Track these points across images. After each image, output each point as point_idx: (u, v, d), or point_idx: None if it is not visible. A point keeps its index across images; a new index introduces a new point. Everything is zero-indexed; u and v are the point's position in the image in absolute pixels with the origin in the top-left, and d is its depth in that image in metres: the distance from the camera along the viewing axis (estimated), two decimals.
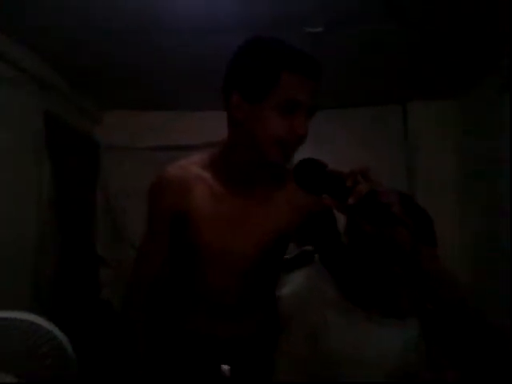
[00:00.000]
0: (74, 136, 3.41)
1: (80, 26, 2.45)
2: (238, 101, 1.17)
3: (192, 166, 1.30)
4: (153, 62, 2.94)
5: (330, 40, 2.61)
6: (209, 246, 1.28)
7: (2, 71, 2.53)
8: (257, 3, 2.26)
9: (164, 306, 1.38)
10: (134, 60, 2.90)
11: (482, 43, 2.65)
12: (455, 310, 1.00)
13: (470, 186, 3.39)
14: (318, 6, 2.30)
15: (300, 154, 1.26)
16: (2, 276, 2.47)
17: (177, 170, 1.30)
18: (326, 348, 1.22)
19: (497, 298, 2.72)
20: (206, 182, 1.28)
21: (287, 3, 2.27)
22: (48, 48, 2.70)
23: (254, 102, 1.16)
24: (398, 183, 3.16)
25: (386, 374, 1.13)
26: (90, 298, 3.46)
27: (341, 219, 1.32)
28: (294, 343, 1.28)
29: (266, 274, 1.35)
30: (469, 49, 2.73)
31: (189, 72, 3.08)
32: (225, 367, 1.27)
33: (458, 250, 3.28)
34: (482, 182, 3.19)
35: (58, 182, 3.06)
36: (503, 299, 2.62)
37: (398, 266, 1.12)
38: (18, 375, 1.51)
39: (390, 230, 0.95)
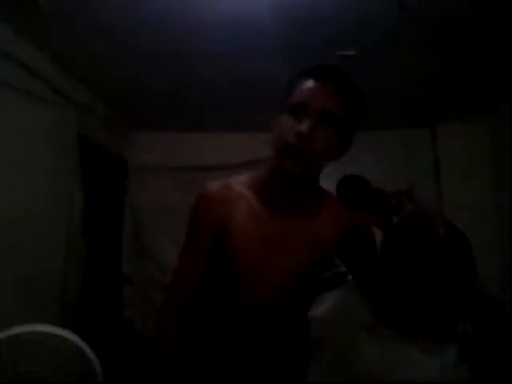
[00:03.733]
0: (105, 156, 3.48)
1: (116, 49, 2.52)
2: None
3: (235, 184, 1.32)
4: (183, 85, 2.98)
5: (362, 63, 2.62)
6: (246, 264, 1.28)
7: (40, 91, 2.58)
8: (288, 28, 2.29)
9: (197, 321, 1.36)
10: (165, 82, 2.94)
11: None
12: (498, 333, 0.97)
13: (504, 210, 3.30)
14: (351, 29, 2.32)
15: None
16: (30, 292, 2.49)
17: (220, 186, 1.32)
18: (356, 371, 1.18)
19: None
20: (247, 200, 1.29)
21: (321, 27, 2.30)
22: (83, 69, 2.77)
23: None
24: None
25: None
26: (113, 316, 3.46)
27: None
28: (323, 365, 1.25)
29: (302, 295, 1.34)
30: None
31: (217, 94, 3.11)
32: None
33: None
34: None
35: (88, 200, 3.09)
36: None
37: (438, 288, 1.10)
38: None
39: (434, 252, 0.93)
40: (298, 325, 1.36)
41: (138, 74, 2.85)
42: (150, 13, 2.18)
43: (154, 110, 3.49)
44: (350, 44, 2.50)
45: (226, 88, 2.99)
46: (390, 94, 3.09)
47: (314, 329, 1.35)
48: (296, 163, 1.19)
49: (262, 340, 1.32)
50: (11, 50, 2.29)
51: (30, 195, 2.53)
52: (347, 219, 1.25)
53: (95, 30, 2.33)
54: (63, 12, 2.17)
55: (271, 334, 1.33)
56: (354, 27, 2.31)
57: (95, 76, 2.88)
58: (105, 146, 3.46)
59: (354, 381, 1.18)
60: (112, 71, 2.81)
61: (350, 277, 1.41)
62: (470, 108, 3.33)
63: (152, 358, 1.33)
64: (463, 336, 1.10)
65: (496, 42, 2.35)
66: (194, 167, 3.63)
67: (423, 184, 3.51)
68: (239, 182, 1.33)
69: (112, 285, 3.54)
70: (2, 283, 2.29)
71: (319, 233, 1.28)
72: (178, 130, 3.78)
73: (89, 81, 2.95)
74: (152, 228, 3.72)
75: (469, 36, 2.36)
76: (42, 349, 1.54)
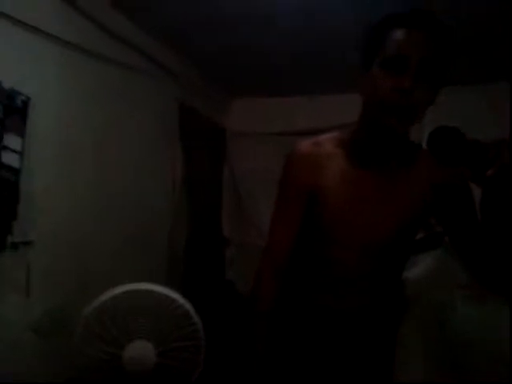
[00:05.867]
0: (204, 123, 3.57)
1: (209, 17, 2.54)
2: (359, 75, 1.16)
3: (326, 143, 1.30)
4: (279, 48, 2.95)
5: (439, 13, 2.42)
6: (338, 223, 1.26)
7: (140, 64, 2.71)
8: None
9: (293, 281, 1.38)
10: (261, 47, 2.93)
11: None
12: None
13: None
14: None
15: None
16: (140, 252, 2.68)
17: (311, 145, 1.30)
18: (450, 329, 1.16)
19: None
20: (338, 160, 1.27)
21: None
22: (180, 40, 2.84)
23: (367, 69, 1.14)
24: None
25: None
26: (215, 278, 3.62)
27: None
28: (420, 324, 1.24)
29: (396, 254, 1.31)
30: None
31: (314, 56, 3.05)
32: None
33: None
34: None
35: (189, 167, 3.23)
36: None
37: None
38: (160, 349, 1.64)
39: None
40: (393, 284, 1.35)
41: (232, 42, 2.86)
42: None
43: (249, 77, 3.50)
44: None
45: (313, 50, 2.94)
46: (469, 45, 2.81)
47: (409, 288, 1.33)
48: (400, 121, 1.12)
49: (356, 297, 1.31)
50: (112, 26, 2.42)
51: (137, 162, 2.71)
52: (442, 174, 1.19)
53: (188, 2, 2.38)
54: None
55: (366, 291, 1.32)
56: None
57: (191, 47, 2.95)
58: (203, 114, 3.55)
59: (447, 338, 1.16)
60: (207, 40, 2.85)
61: (446, 238, 1.36)
62: None
63: (250, 321, 1.36)
64: None
65: None
66: (292, 132, 3.61)
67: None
68: (329, 140, 1.30)
69: (214, 247, 3.69)
70: (118, 243, 2.50)
71: (412, 190, 1.24)
72: (275, 95, 3.78)
73: (185, 51, 3.02)
74: (251, 192, 3.80)
75: None
76: (153, 307, 1.66)
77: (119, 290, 1.65)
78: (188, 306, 1.70)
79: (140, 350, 1.61)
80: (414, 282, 1.33)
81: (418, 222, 1.30)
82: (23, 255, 1.90)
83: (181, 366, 1.66)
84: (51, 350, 1.98)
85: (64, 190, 2.15)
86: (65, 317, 1.96)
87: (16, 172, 1.85)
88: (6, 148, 1.80)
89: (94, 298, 1.64)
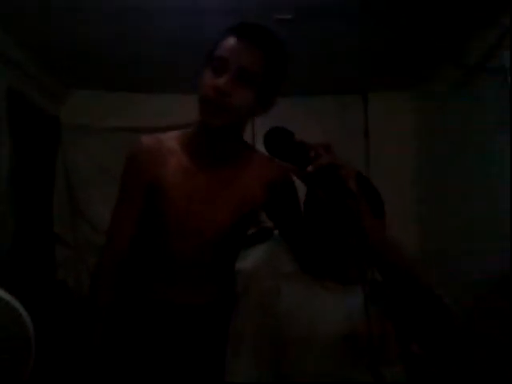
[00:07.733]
0: (37, 113, 3.37)
1: (46, 3, 2.41)
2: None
3: (167, 140, 1.35)
4: (119, 43, 2.93)
5: (298, 28, 2.66)
6: (176, 216, 1.32)
7: None
8: None
9: (131, 275, 1.39)
10: (101, 41, 2.88)
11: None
12: (402, 280, 1.09)
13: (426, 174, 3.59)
14: None
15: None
16: None
17: (153, 141, 1.34)
18: (278, 313, 1.31)
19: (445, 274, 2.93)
20: (178, 156, 1.32)
21: None
22: (13, 23, 2.65)
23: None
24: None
25: (331, 338, 1.25)
26: (45, 277, 3.43)
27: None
28: (247, 311, 1.36)
29: (229, 247, 1.41)
30: (430, 39, 2.82)
31: (155, 54, 3.09)
32: None
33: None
34: (438, 171, 3.39)
35: (18, 158, 3.01)
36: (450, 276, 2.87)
37: (348, 235, 1.22)
38: None
39: (342, 201, 1.03)
40: (226, 277, 1.44)
41: (74, 33, 2.77)
42: None
43: (89, 70, 3.41)
44: (288, 8, 2.53)
45: (161, 48, 2.98)
46: (327, 59, 3.16)
47: (240, 280, 1.44)
48: (214, 117, 1.21)
49: (191, 288, 1.38)
50: None
51: None
52: (272, 172, 1.33)
53: None
54: None
55: (201, 283, 1.39)
56: None
57: (31, 34, 2.78)
58: (38, 104, 3.36)
59: (276, 322, 1.29)
60: (48, 29, 2.72)
61: (275, 232, 1.50)
62: (400, 80, 3.50)
63: (88, 317, 1.34)
64: (372, 281, 1.21)
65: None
66: (130, 128, 3.57)
67: (354, 148, 3.67)
68: (170, 138, 1.36)
69: (44, 246, 3.49)
70: None
71: (245, 187, 1.34)
72: (114, 91, 3.72)
73: (19, 35, 2.83)
74: (85, 188, 3.67)
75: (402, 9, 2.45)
76: None
77: None
78: (14, 302, 1.61)
79: None
80: (243, 274, 1.44)
81: (250, 217, 1.40)
82: None
83: (7, 365, 1.57)
84: None
85: None
86: None
87: None
88: None
89: None
